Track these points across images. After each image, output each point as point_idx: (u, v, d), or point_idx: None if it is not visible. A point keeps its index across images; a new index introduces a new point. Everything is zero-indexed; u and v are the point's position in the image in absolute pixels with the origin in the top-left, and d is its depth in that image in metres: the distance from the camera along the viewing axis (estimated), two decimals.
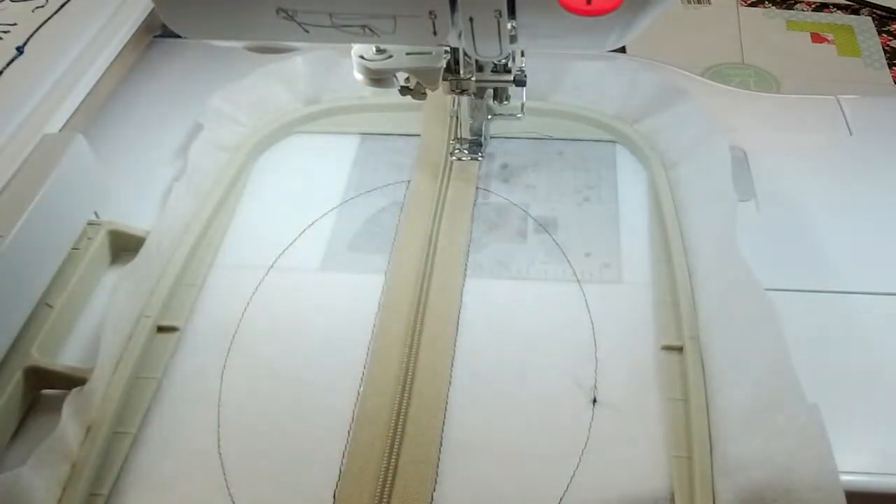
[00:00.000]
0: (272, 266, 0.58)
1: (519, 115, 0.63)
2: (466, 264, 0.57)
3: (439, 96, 0.61)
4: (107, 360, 0.49)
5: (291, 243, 0.60)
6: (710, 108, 0.64)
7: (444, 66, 0.55)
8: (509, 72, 0.58)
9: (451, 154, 0.64)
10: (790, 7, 0.94)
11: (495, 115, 0.64)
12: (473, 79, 0.58)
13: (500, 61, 0.58)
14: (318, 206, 0.62)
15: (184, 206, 0.59)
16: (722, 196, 0.56)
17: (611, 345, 0.52)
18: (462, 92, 0.59)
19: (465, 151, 0.64)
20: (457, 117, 0.65)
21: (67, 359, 0.52)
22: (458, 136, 0.65)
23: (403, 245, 0.59)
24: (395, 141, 0.68)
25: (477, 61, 0.57)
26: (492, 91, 0.62)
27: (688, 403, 0.48)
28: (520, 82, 0.59)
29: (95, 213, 0.58)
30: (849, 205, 0.60)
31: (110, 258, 0.58)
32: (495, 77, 0.59)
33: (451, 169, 0.64)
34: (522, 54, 0.59)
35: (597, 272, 0.57)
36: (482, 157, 0.64)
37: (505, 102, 0.65)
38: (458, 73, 0.57)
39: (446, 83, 0.58)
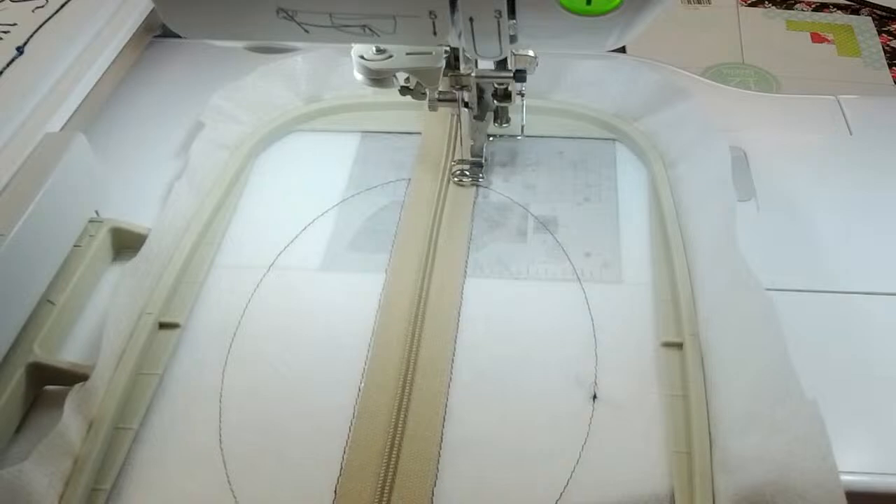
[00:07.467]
0: (273, 264, 0.58)
1: (519, 137, 0.63)
2: (467, 262, 0.58)
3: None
4: (109, 357, 0.49)
5: (292, 241, 0.60)
6: (709, 108, 0.64)
7: (444, 65, 0.55)
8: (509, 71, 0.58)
9: (454, 176, 0.64)
10: (790, 7, 0.94)
11: (496, 136, 0.64)
12: (473, 75, 0.58)
13: (500, 85, 0.59)
14: (318, 205, 0.62)
15: (185, 205, 0.59)
16: (722, 195, 0.56)
17: (611, 342, 0.52)
18: (462, 88, 0.59)
19: (467, 174, 0.63)
20: (458, 119, 0.65)
21: (69, 355, 0.52)
22: (460, 158, 0.65)
23: (404, 243, 0.59)
24: (395, 139, 0.68)
25: (479, 127, 0.59)
26: (492, 114, 0.62)
27: (688, 400, 0.48)
28: (520, 77, 0.59)
29: (96, 212, 0.58)
30: (849, 205, 0.60)
31: (112, 256, 0.59)
32: (495, 73, 0.59)
33: (451, 167, 0.64)
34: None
35: (597, 271, 0.57)
36: (482, 178, 0.64)
37: (506, 125, 0.66)
38: (458, 69, 0.57)
39: (446, 79, 0.58)
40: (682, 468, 0.45)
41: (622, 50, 0.70)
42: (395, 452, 0.46)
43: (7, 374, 0.48)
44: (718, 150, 0.60)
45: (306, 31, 0.46)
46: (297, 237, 0.60)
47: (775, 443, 0.42)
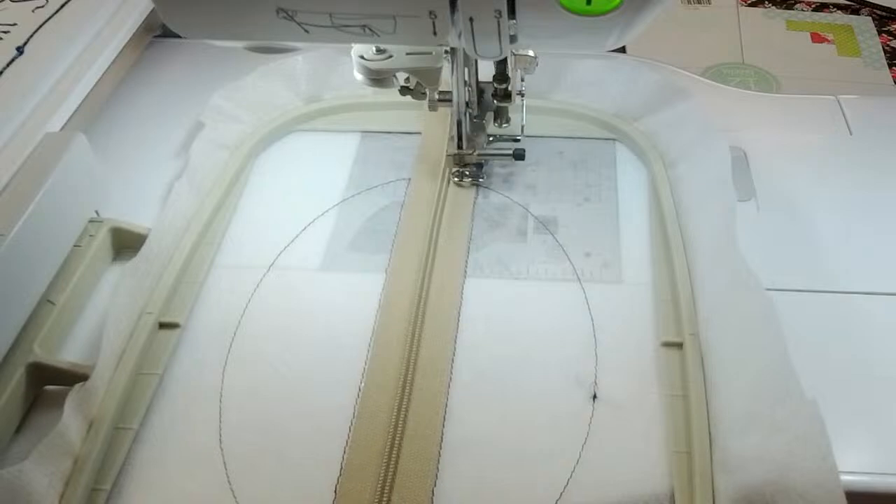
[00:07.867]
0: (273, 264, 0.58)
1: (519, 137, 0.63)
2: (467, 262, 0.58)
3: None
4: (109, 357, 0.49)
5: (292, 241, 0.60)
6: (710, 108, 0.64)
7: (444, 65, 0.55)
8: (507, 80, 0.59)
9: (454, 176, 0.64)
10: (790, 7, 0.94)
11: (496, 138, 0.64)
12: (476, 153, 0.60)
13: (500, 85, 0.59)
14: (318, 205, 0.62)
15: (185, 204, 0.60)
16: (722, 195, 0.56)
17: (611, 342, 0.52)
18: (465, 165, 0.61)
19: (467, 174, 0.64)
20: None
21: (70, 355, 0.52)
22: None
23: (404, 243, 0.59)
24: (395, 139, 0.68)
25: (479, 127, 0.60)
26: (492, 114, 0.63)
27: (687, 400, 0.48)
28: (519, 156, 0.61)
29: (96, 212, 0.58)
30: (849, 205, 0.60)
31: (112, 255, 0.59)
32: (496, 150, 0.62)
33: (451, 167, 0.64)
34: (522, 80, 0.60)
35: (597, 271, 0.57)
36: (483, 178, 0.64)
37: (505, 125, 0.66)
38: (462, 147, 0.60)
39: (450, 157, 0.60)
40: (682, 468, 0.45)
41: (622, 50, 0.70)
42: (395, 452, 0.46)
43: (7, 374, 0.48)
44: (718, 150, 0.60)
45: (306, 31, 0.46)
46: (297, 237, 0.60)
47: (775, 443, 0.42)
